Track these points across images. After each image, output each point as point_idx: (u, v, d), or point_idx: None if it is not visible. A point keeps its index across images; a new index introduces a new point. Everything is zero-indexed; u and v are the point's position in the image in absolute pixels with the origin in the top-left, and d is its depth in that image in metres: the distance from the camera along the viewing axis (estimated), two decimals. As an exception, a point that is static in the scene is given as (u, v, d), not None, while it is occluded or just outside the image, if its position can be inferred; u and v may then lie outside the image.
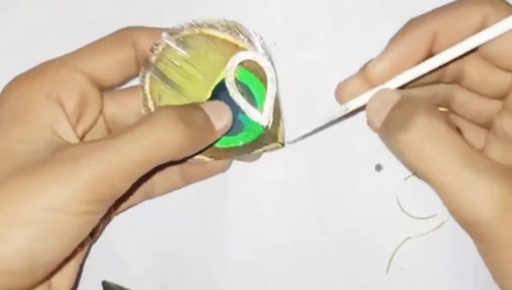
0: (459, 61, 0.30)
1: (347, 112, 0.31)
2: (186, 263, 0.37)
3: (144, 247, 0.37)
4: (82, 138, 0.32)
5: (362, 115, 0.36)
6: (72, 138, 0.29)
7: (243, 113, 0.33)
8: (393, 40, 0.29)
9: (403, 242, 0.36)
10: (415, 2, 0.35)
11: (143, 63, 0.33)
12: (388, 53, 0.29)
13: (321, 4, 0.37)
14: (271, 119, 0.33)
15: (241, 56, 0.33)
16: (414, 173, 0.36)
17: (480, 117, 0.32)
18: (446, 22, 0.28)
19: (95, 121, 0.32)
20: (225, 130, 0.32)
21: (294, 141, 0.34)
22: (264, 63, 0.33)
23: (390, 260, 0.36)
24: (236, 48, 0.33)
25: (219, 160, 0.34)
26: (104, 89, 0.33)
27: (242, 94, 0.33)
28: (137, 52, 0.32)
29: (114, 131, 0.34)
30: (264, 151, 0.34)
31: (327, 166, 0.37)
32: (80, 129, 0.31)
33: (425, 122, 0.26)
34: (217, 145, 0.33)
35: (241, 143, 0.33)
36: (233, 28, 0.33)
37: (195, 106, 0.31)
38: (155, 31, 0.33)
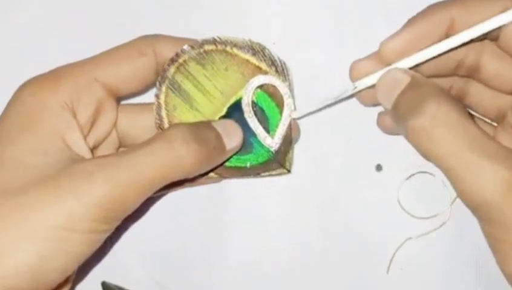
0: (476, 53, 0.30)
1: (355, 90, 0.31)
2: (186, 264, 0.37)
3: (144, 248, 0.37)
4: (93, 149, 0.31)
5: (362, 115, 0.36)
6: (83, 150, 0.29)
7: (255, 135, 0.33)
8: (410, 21, 0.29)
9: (404, 243, 0.36)
10: (415, 2, 0.35)
11: (161, 72, 0.32)
12: (403, 32, 0.29)
13: (321, 4, 0.37)
14: (280, 145, 0.33)
15: (261, 79, 0.33)
16: (423, 161, 0.36)
17: (493, 111, 0.32)
18: (465, 11, 0.28)
19: (108, 133, 0.32)
20: (235, 150, 0.32)
21: (300, 118, 0.34)
22: (283, 89, 0.33)
23: (391, 260, 0.36)
24: (258, 70, 0.33)
25: (224, 178, 0.34)
26: (121, 98, 0.32)
27: (256, 117, 0.33)
28: (157, 63, 0.32)
29: (125, 146, 0.33)
30: (270, 175, 0.34)
31: (328, 166, 0.37)
32: (92, 140, 0.31)
33: (435, 109, 0.26)
34: (225, 163, 0.33)
35: (248, 164, 0.33)
36: (257, 49, 0.32)
37: (208, 125, 0.31)
38: (179, 41, 0.32)
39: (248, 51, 0.32)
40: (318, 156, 0.37)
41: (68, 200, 0.25)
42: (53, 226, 0.25)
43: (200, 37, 0.36)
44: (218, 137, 0.31)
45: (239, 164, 0.33)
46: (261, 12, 0.37)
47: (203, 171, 0.30)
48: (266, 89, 0.33)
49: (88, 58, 0.31)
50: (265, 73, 0.33)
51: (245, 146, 0.33)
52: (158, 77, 0.32)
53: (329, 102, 0.32)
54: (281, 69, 0.33)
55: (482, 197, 0.25)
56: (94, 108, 0.30)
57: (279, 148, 0.33)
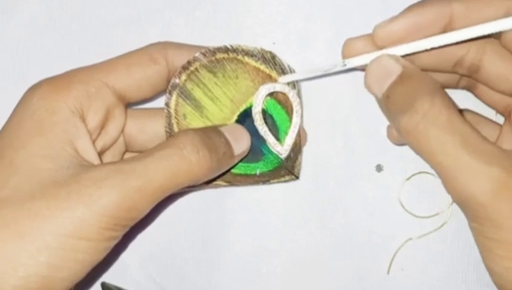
0: (477, 52, 0.30)
1: (344, 68, 0.30)
2: (186, 265, 0.37)
3: (144, 249, 0.37)
4: (99, 154, 0.31)
5: (363, 115, 0.36)
6: (92, 156, 0.29)
7: (265, 143, 0.33)
8: (408, 9, 0.29)
9: (404, 243, 0.36)
10: (415, 1, 0.35)
11: (171, 80, 0.32)
12: (399, 18, 0.29)
13: (321, 4, 0.37)
14: (289, 152, 0.33)
15: (270, 87, 0.33)
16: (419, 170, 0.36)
17: (502, 104, 0.32)
18: (465, 7, 0.28)
19: (116, 139, 0.32)
20: (243, 155, 0.32)
21: (286, 82, 0.33)
22: (292, 97, 0.33)
23: (391, 261, 0.36)
24: (268, 78, 0.33)
25: (233, 185, 0.34)
26: (130, 104, 0.32)
27: (266, 124, 0.33)
28: (169, 70, 0.31)
29: (131, 151, 0.33)
30: (279, 182, 0.34)
31: (328, 167, 0.36)
32: (99, 145, 0.31)
33: (428, 107, 0.26)
34: (234, 171, 0.33)
35: (258, 171, 0.34)
36: (268, 58, 0.33)
37: (216, 130, 0.31)
38: (191, 49, 0.32)
39: (259, 59, 0.33)
40: (319, 157, 0.36)
41: (78, 208, 0.25)
42: (64, 235, 0.25)
43: (199, 37, 0.37)
44: (227, 142, 0.30)
45: (249, 172, 0.34)
46: (261, 12, 0.37)
47: (211, 177, 0.30)
48: (276, 97, 0.33)
49: (98, 63, 0.31)
50: (276, 81, 0.33)
51: (255, 153, 0.33)
52: (168, 85, 0.32)
53: (316, 74, 0.32)
54: None
55: (472, 195, 0.25)
56: (103, 114, 0.30)
57: (289, 155, 0.33)
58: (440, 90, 0.27)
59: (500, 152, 0.25)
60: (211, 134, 0.30)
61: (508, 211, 0.25)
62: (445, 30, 0.28)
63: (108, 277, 0.37)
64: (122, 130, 0.32)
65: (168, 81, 0.32)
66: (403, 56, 0.29)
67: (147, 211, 0.27)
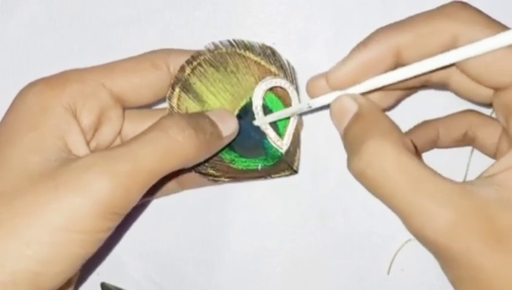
0: (444, 72, 0.29)
1: (309, 109, 0.31)
2: (186, 265, 0.37)
3: (143, 249, 0.37)
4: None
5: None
6: (83, 153, 0.28)
7: (265, 137, 0.33)
8: (355, 49, 0.28)
9: (405, 244, 0.36)
10: (415, 2, 0.35)
11: (175, 74, 0.32)
12: (348, 61, 0.28)
13: (321, 4, 0.37)
14: (289, 146, 0.33)
15: (271, 81, 0.33)
16: None
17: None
18: (411, 39, 0.27)
19: (111, 141, 0.32)
20: (232, 137, 0.32)
21: (258, 124, 0.33)
22: (292, 92, 0.33)
23: (391, 261, 0.36)
24: (268, 73, 0.33)
25: (236, 181, 0.34)
26: (129, 108, 0.32)
27: None
28: (171, 77, 0.32)
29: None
30: (280, 177, 0.34)
31: (328, 166, 0.37)
32: (93, 145, 0.31)
33: (371, 152, 0.25)
34: (237, 166, 0.33)
35: (259, 166, 0.34)
36: (268, 53, 0.33)
37: (201, 114, 0.31)
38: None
39: (260, 54, 0.33)
40: (318, 156, 0.37)
41: (67, 199, 0.25)
42: (53, 228, 0.25)
43: (199, 37, 0.37)
44: (213, 124, 0.30)
45: (251, 167, 0.34)
46: (261, 12, 0.37)
47: (201, 160, 0.30)
48: (275, 92, 0.33)
49: (98, 65, 0.31)
50: (275, 76, 0.33)
51: (256, 148, 0.33)
52: (172, 79, 0.32)
53: (287, 115, 0.33)
54: (289, 72, 0.33)
55: (430, 238, 0.25)
56: (97, 114, 0.30)
57: (288, 149, 0.33)
58: (391, 130, 0.26)
59: (452, 190, 0.25)
60: (196, 116, 0.30)
61: (470, 250, 0.24)
62: (397, 63, 0.28)
63: (107, 277, 0.37)
64: (119, 133, 0.32)
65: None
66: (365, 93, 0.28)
67: (139, 197, 0.27)
